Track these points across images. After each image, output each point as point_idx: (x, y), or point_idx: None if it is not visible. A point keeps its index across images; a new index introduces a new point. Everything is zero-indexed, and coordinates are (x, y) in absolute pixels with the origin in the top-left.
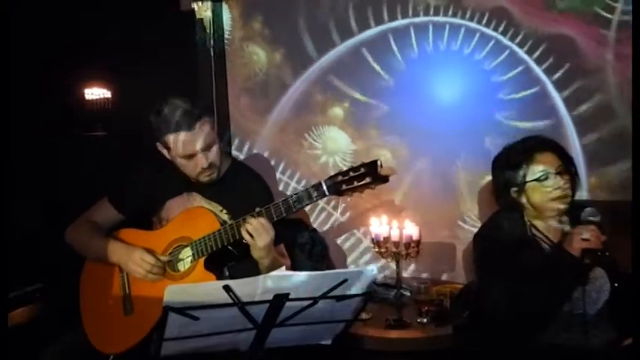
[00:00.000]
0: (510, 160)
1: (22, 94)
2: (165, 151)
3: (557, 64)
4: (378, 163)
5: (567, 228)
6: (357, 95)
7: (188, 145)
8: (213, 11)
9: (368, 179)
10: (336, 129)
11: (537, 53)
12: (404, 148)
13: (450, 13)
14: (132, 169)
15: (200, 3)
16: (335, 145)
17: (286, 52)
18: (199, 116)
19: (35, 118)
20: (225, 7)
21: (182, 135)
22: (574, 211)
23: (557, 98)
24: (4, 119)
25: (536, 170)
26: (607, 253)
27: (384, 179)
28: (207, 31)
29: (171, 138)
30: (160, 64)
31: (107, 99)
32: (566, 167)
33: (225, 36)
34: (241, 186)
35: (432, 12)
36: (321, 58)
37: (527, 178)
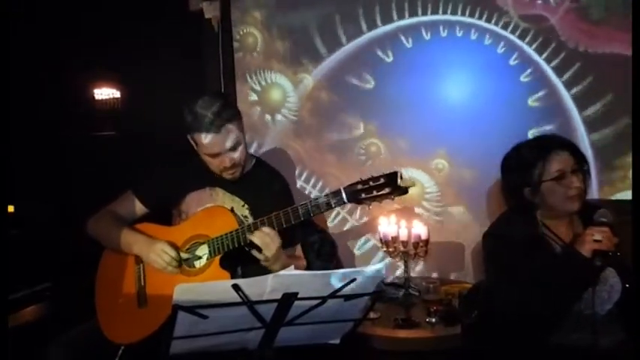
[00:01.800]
0: (524, 160)
1: (31, 94)
2: (193, 144)
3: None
4: (399, 174)
5: (578, 227)
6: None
7: (214, 146)
8: (221, 11)
9: (387, 189)
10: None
11: (547, 52)
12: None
13: (459, 12)
14: (156, 163)
15: (208, 3)
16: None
17: (295, 50)
18: (228, 119)
19: (44, 118)
20: (232, 6)
21: (210, 136)
22: (585, 212)
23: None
24: (12, 119)
25: (552, 169)
26: (618, 254)
27: (404, 191)
28: (216, 31)
29: (199, 136)
30: (169, 63)
31: (116, 99)
32: (580, 166)
33: (234, 35)
34: (263, 183)
35: (440, 11)
36: (331, 55)
37: (544, 178)
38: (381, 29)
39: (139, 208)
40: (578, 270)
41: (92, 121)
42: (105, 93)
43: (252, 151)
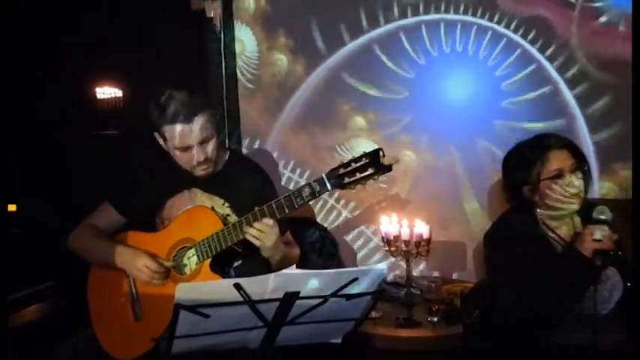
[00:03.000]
0: (524, 158)
1: (31, 94)
2: (161, 141)
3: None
4: (380, 152)
5: (579, 227)
6: (370, 92)
7: (184, 138)
8: (223, 10)
9: (371, 170)
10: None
11: (549, 51)
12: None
13: (462, 10)
14: (131, 171)
15: (210, 2)
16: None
17: (297, 50)
18: (198, 109)
19: (45, 117)
20: (235, 6)
21: (179, 127)
22: (586, 210)
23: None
24: (12, 118)
25: (550, 168)
26: (619, 252)
27: (388, 168)
28: (218, 29)
29: (168, 129)
30: (171, 63)
31: (118, 98)
32: (580, 165)
33: (236, 34)
34: (242, 178)
35: (443, 9)
36: (331, 56)
37: (542, 177)
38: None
39: (118, 218)
40: (578, 270)
41: (94, 121)
42: (107, 92)
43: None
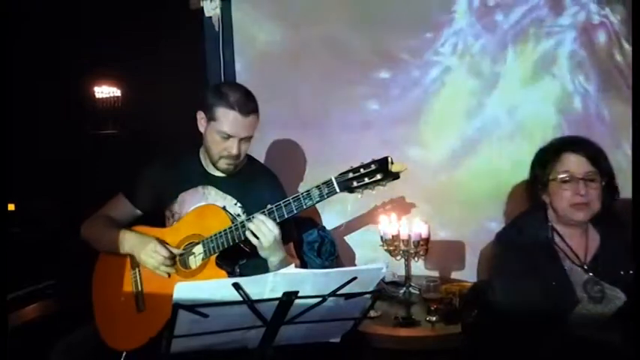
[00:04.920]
0: (542, 156)
1: (32, 93)
2: (203, 121)
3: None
4: (389, 159)
5: (595, 238)
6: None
7: (236, 127)
8: (221, 9)
9: (379, 176)
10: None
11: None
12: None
13: None
14: (146, 163)
15: (209, 1)
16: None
17: (296, 50)
18: (255, 110)
19: (45, 117)
20: (233, 5)
21: (237, 115)
22: (603, 222)
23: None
24: (13, 118)
25: (559, 170)
26: (630, 272)
27: (396, 175)
28: (216, 29)
29: (225, 112)
30: (169, 62)
31: (117, 97)
32: (599, 175)
33: (234, 34)
34: (255, 181)
35: None
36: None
37: (550, 177)
38: None
39: (132, 210)
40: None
41: (93, 120)
42: (105, 91)
43: None
